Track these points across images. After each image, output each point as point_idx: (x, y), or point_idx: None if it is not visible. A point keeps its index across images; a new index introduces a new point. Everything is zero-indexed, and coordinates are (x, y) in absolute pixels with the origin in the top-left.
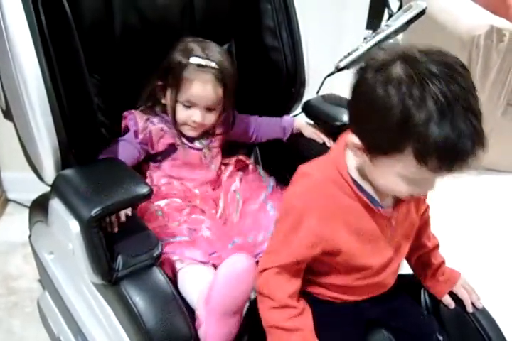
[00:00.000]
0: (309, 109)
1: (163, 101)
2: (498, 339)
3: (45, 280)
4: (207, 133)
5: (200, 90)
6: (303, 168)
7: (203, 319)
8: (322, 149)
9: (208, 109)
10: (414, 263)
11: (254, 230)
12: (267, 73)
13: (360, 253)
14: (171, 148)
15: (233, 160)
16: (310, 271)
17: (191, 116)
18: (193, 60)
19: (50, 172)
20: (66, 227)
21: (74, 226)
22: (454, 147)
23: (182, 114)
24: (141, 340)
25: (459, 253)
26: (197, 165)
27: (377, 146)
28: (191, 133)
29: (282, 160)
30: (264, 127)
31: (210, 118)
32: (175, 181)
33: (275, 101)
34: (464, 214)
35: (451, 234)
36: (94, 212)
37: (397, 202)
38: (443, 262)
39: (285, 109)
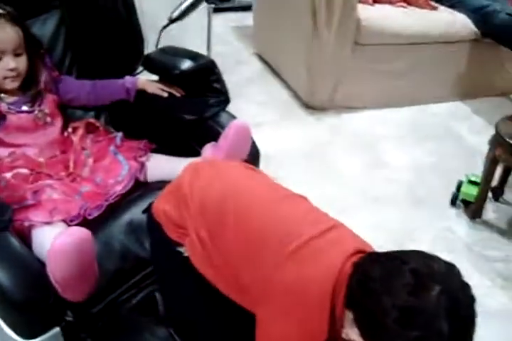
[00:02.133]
0: (149, 63)
1: None
2: None
3: None
4: (33, 96)
5: (1, 34)
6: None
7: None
8: (168, 102)
9: (16, 55)
10: None
11: (103, 176)
12: (104, 34)
13: None
14: (0, 117)
15: (83, 123)
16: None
17: (5, 66)
18: None
19: None
20: None
21: None
22: None
23: None
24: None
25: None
26: (32, 129)
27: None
28: (13, 85)
29: (131, 118)
30: (103, 90)
31: (22, 62)
32: (18, 150)
33: (117, 61)
34: (326, 154)
35: (315, 173)
36: None
37: None
38: None
39: (130, 68)
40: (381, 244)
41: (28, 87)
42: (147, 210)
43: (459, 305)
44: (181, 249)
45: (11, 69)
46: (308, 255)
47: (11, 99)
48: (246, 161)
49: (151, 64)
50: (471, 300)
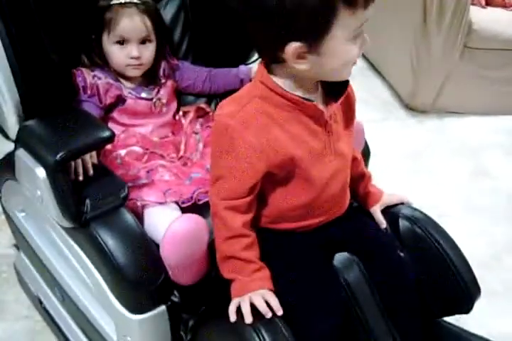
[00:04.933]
0: None
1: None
2: (455, 255)
3: (19, 240)
4: (153, 83)
5: (128, 23)
6: (227, 99)
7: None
8: None
9: (142, 43)
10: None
11: None
12: (223, 20)
13: (309, 163)
14: (120, 100)
15: (193, 108)
16: (265, 203)
17: (128, 54)
18: (114, 0)
19: (14, 128)
20: (33, 175)
21: (40, 172)
22: None
23: (119, 54)
24: (113, 278)
25: (427, 194)
26: (147, 114)
27: (314, 30)
28: (135, 73)
29: None
30: (219, 78)
31: (147, 52)
32: (130, 128)
33: (234, 49)
34: (428, 158)
35: (415, 176)
36: (59, 156)
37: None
38: (370, 175)
39: (245, 56)
40: (478, 254)
41: (149, 74)
42: None
43: None
44: None
45: (134, 58)
46: None
47: (132, 84)
48: None
49: None
50: None
